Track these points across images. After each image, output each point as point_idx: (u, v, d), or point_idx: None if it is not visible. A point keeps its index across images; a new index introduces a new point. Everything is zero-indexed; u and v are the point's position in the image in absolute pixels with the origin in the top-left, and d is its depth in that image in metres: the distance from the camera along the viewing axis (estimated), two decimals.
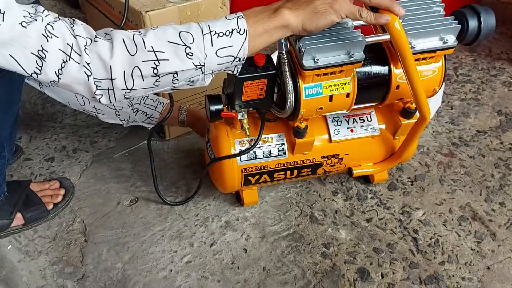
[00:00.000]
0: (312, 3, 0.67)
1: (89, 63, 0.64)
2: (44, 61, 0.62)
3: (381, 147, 0.98)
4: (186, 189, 1.12)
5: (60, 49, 0.62)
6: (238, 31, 0.67)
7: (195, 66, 0.68)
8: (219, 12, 1.12)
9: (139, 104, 1.05)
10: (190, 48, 0.66)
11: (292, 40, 0.78)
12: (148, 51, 0.65)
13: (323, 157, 0.96)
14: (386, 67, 0.83)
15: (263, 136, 0.92)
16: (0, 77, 0.74)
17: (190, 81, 0.71)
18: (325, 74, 0.78)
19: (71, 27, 0.64)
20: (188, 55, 0.66)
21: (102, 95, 0.67)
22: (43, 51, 0.62)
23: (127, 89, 0.67)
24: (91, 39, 0.65)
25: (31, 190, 1.04)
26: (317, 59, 0.75)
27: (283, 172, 0.97)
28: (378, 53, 0.83)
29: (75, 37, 0.63)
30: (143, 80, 0.67)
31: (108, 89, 0.67)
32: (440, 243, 0.96)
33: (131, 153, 1.22)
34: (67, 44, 0.63)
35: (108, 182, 1.14)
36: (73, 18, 0.67)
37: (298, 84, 0.79)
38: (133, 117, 1.06)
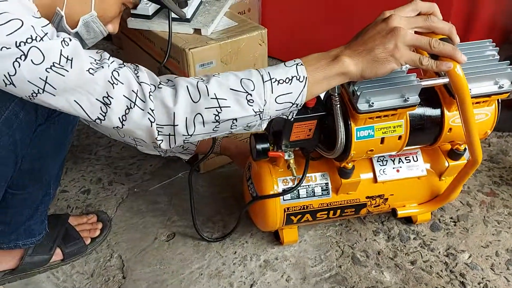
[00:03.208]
0: (372, 51, 0.66)
1: (153, 109, 0.64)
2: (109, 107, 0.63)
3: (427, 188, 0.96)
4: (223, 224, 1.11)
5: (125, 96, 0.63)
6: (298, 78, 0.67)
7: (255, 112, 0.68)
8: (258, 49, 1.13)
9: None
10: (251, 95, 0.66)
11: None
12: (211, 98, 0.65)
13: (367, 197, 0.95)
14: (439, 110, 0.82)
15: (306, 175, 0.91)
16: (58, 119, 0.75)
17: (247, 126, 0.71)
18: (378, 116, 0.78)
19: (136, 74, 0.65)
20: (249, 102, 0.66)
21: (162, 140, 0.67)
22: (108, 97, 0.62)
23: (188, 135, 0.67)
24: (155, 86, 0.65)
25: (69, 224, 1.04)
26: (372, 103, 0.74)
27: (326, 212, 0.95)
28: (431, 96, 0.82)
29: (139, 84, 0.64)
30: (204, 126, 0.67)
31: (169, 135, 0.67)
32: None
33: (166, 186, 1.22)
34: (132, 90, 0.63)
35: (144, 216, 1.14)
36: (136, 64, 0.67)
37: (350, 126, 0.79)
38: (170, 149, 1.07)
